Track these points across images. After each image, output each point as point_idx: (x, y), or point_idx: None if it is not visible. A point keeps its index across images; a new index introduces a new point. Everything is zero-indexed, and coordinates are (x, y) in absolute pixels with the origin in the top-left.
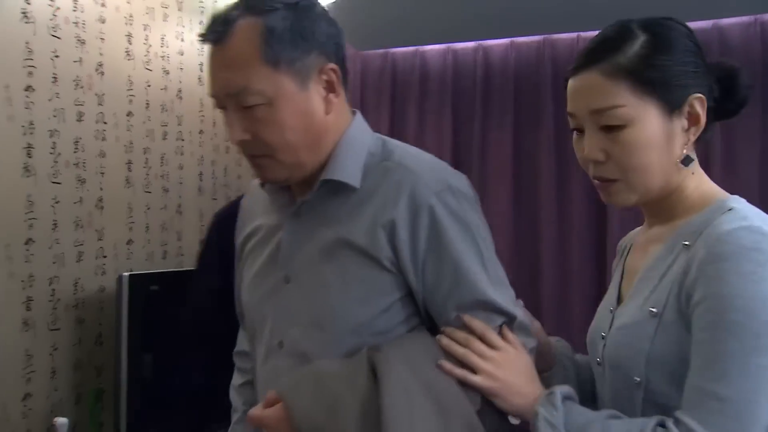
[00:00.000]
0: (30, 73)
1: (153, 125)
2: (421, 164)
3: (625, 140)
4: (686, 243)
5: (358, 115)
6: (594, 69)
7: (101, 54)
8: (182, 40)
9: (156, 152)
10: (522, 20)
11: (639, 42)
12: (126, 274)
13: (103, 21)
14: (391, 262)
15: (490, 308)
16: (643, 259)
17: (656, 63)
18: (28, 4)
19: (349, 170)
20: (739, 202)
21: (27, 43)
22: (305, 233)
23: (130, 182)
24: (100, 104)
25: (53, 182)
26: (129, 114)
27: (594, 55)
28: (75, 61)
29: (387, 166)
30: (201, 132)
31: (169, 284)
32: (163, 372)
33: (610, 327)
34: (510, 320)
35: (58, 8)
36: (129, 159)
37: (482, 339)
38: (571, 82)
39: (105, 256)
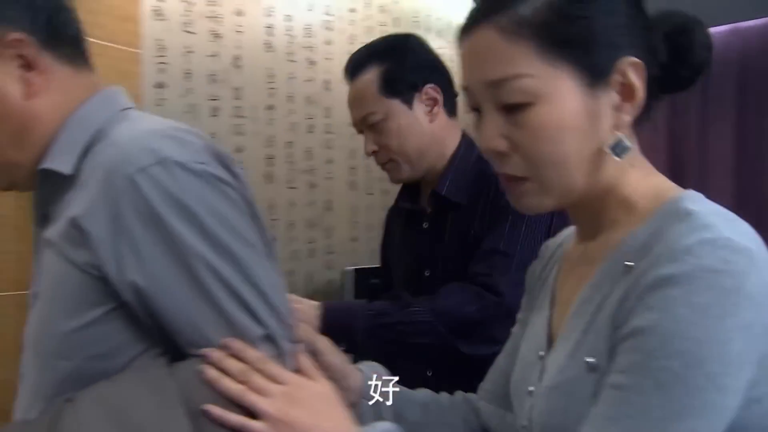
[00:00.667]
0: (271, 94)
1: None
2: (135, 136)
3: (532, 123)
4: (629, 263)
5: (105, 92)
6: (488, 25)
7: (329, 72)
8: None
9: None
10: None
11: None
12: (351, 268)
13: (329, 43)
14: (88, 263)
15: (242, 319)
16: (577, 286)
17: (572, 14)
18: (271, 36)
19: (60, 155)
20: (697, 202)
21: (268, 68)
22: (41, 240)
23: (353, 186)
24: (326, 117)
25: (289, 188)
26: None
27: (488, 6)
28: (307, 81)
29: (102, 144)
30: None
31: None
32: None
33: (540, 380)
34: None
35: (294, 37)
36: (351, 165)
37: (260, 370)
38: (461, 45)
39: (333, 253)
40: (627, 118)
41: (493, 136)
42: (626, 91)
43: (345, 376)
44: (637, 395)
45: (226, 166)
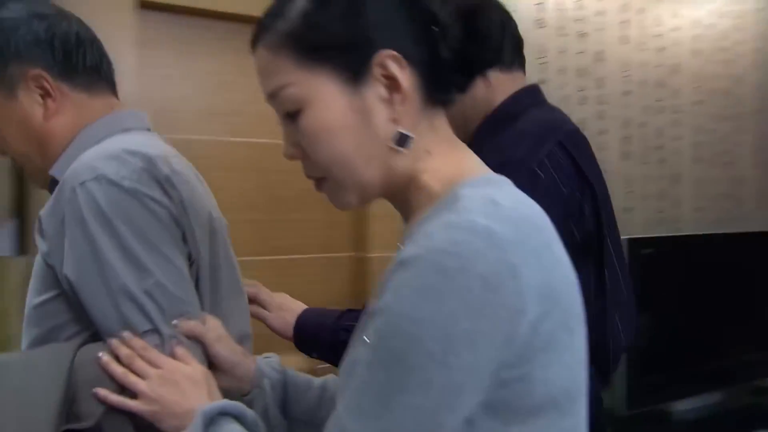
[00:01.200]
0: (542, 69)
1: (648, 101)
2: (92, 155)
3: (305, 127)
4: (400, 246)
5: (116, 113)
6: (261, 45)
7: (600, 43)
8: (677, 16)
9: (651, 126)
10: None
11: None
12: (624, 237)
13: (601, 13)
14: (45, 253)
15: (134, 316)
16: None
17: (319, 20)
18: (542, 12)
19: (61, 164)
20: (478, 187)
21: (540, 44)
22: None
23: (627, 156)
24: (599, 87)
25: None
26: (626, 93)
27: (260, 26)
28: (578, 53)
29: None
30: (699, 102)
31: (666, 248)
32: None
33: None
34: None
35: (565, 10)
36: (624, 134)
37: (142, 356)
38: None
39: None
40: (401, 108)
41: (288, 144)
42: (392, 84)
43: (234, 366)
44: (367, 371)
45: (163, 188)
